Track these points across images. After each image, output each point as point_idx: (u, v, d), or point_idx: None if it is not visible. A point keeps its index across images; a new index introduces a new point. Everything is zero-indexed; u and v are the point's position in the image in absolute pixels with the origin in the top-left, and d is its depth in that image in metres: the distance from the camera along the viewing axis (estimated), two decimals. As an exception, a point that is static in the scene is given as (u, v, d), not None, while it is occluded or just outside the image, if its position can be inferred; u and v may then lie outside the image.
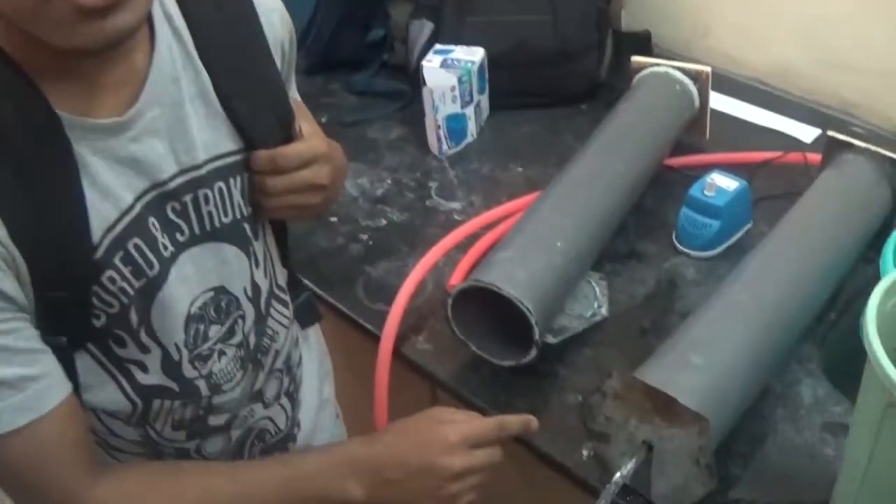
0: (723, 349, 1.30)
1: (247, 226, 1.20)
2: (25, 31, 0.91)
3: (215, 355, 1.20)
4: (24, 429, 1.00)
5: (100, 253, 1.03)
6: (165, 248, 1.10)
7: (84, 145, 0.99)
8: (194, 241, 1.13)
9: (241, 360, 1.24)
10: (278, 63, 1.21)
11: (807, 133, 1.93)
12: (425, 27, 2.06)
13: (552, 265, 1.46)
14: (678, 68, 1.82)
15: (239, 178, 1.17)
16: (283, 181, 1.19)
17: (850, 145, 1.62)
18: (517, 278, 1.40)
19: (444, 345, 1.54)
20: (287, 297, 1.34)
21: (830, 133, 1.66)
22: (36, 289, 0.99)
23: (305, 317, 1.44)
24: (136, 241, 1.06)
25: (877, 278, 1.24)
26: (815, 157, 1.73)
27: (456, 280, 1.63)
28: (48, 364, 1.02)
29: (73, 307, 1.04)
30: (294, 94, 1.31)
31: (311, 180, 1.22)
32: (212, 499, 1.16)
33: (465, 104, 1.95)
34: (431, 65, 1.93)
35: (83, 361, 1.08)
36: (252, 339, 1.25)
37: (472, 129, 2.00)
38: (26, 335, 1.00)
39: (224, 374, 1.22)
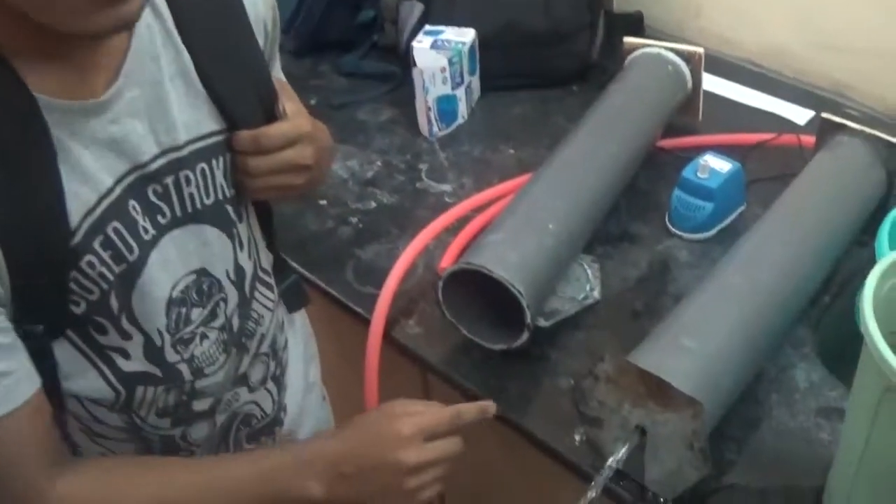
0: (717, 332, 1.29)
1: (230, 207, 1.19)
2: (2, 13, 0.89)
3: (197, 339, 1.18)
4: None
5: (78, 238, 1.01)
6: (146, 231, 1.08)
7: (62, 128, 0.98)
8: (175, 223, 1.12)
9: (223, 343, 1.22)
10: (261, 42, 1.20)
11: (800, 115, 1.92)
12: (415, 8, 2.05)
13: (544, 247, 1.45)
14: (671, 49, 1.80)
15: (221, 159, 1.16)
16: (266, 162, 1.18)
17: (844, 127, 1.61)
18: (508, 261, 1.39)
19: (434, 328, 1.53)
20: (272, 281, 1.33)
21: (824, 115, 1.65)
22: (12, 276, 0.97)
23: (293, 300, 1.43)
24: (116, 224, 1.04)
25: (872, 261, 1.23)
26: (808, 139, 1.72)
27: (446, 263, 1.62)
28: (19, 359, 1.01)
29: (52, 294, 1.02)
30: (278, 74, 1.30)
31: (295, 161, 1.20)
32: (171, 495, 1.15)
33: (455, 85, 1.93)
34: (421, 46, 1.91)
35: (63, 350, 1.07)
36: (235, 323, 1.24)
37: (462, 110, 1.99)
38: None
39: (206, 358, 1.20)
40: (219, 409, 1.27)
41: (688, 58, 1.80)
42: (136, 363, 1.13)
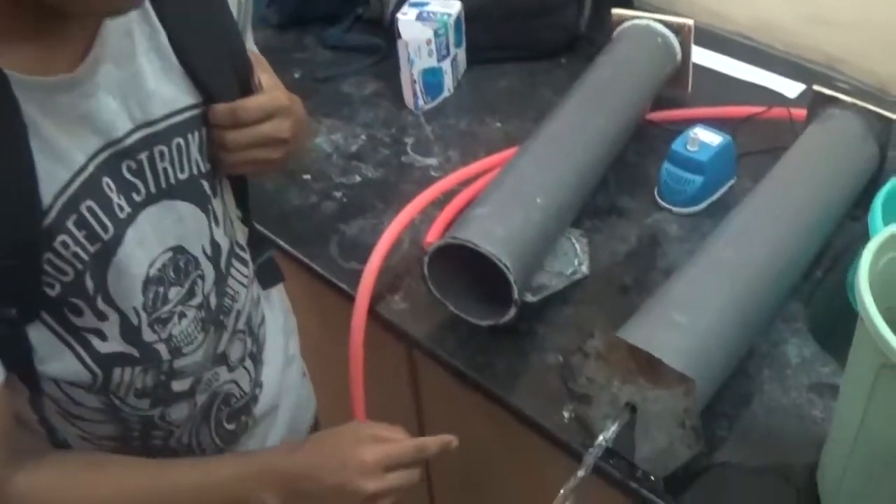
0: (708, 307, 1.27)
1: (205, 182, 1.17)
2: None
3: (175, 318, 1.16)
4: None
5: (51, 217, 0.98)
6: (121, 209, 1.06)
7: (33, 105, 0.95)
8: (150, 200, 1.10)
9: (201, 321, 1.20)
10: (234, 14, 1.18)
11: (791, 88, 1.91)
12: (400, -21, 2.02)
13: (531, 221, 1.43)
14: (660, 21, 1.78)
15: (197, 134, 1.14)
16: (243, 135, 1.16)
17: (836, 100, 1.60)
18: (495, 235, 1.37)
19: (420, 304, 1.52)
20: (247, 256, 1.31)
21: (816, 87, 1.63)
22: None
23: (267, 277, 1.41)
24: (90, 203, 1.02)
25: (864, 236, 1.21)
26: (799, 113, 1.70)
27: (432, 238, 1.60)
28: None
29: (25, 277, 0.99)
30: (251, 46, 1.28)
31: (273, 134, 1.19)
32: (126, 497, 1.16)
33: (441, 58, 1.91)
34: (407, 18, 1.89)
35: (38, 333, 1.04)
36: (213, 300, 1.22)
37: (448, 83, 1.97)
38: None
39: (184, 337, 1.18)
40: (199, 389, 1.25)
41: (677, 30, 1.78)
42: (112, 344, 1.10)
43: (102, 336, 1.09)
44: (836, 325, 1.39)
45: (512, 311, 1.38)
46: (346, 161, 1.84)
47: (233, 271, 1.26)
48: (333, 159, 1.85)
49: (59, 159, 0.98)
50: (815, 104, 1.62)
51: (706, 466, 1.25)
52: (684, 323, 1.24)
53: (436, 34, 1.87)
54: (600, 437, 1.22)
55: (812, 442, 1.25)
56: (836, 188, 1.50)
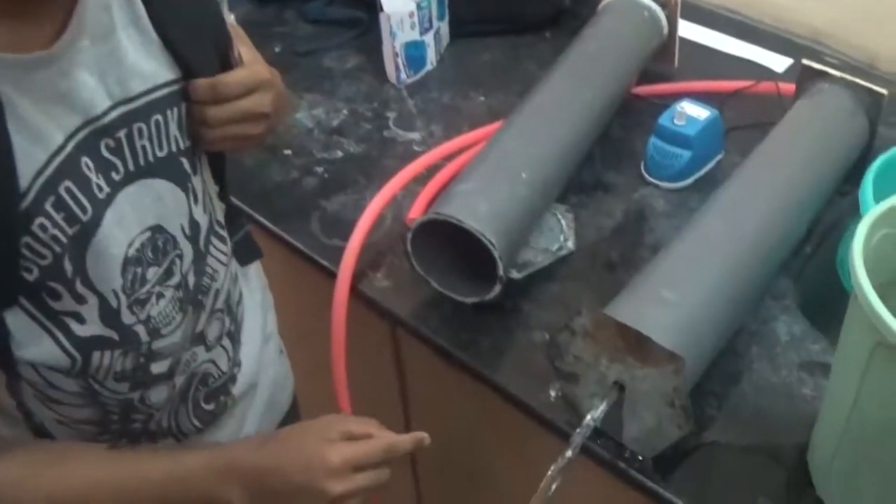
0: (697, 284, 1.26)
1: (184, 160, 1.14)
2: None
3: (153, 298, 1.14)
4: None
5: (29, 200, 0.96)
6: (100, 189, 1.03)
7: (9, 84, 0.92)
8: (129, 178, 1.07)
9: (179, 301, 1.18)
10: None
11: (779, 62, 1.89)
12: (382, -49, 1.99)
13: (516, 197, 1.41)
14: (646, -6, 1.76)
15: (176, 110, 1.12)
16: (224, 111, 1.14)
17: (825, 74, 1.58)
18: (479, 211, 1.35)
19: (403, 281, 1.50)
20: (225, 234, 1.29)
21: (805, 61, 1.61)
22: None
23: (245, 253, 1.39)
24: (68, 183, 0.99)
25: (854, 211, 1.19)
26: (787, 87, 1.69)
27: (415, 213, 1.58)
28: None
29: (1, 261, 0.97)
30: (228, 18, 1.25)
31: (254, 109, 1.17)
32: (93, 489, 1.14)
33: (424, 31, 1.89)
34: (389, -10, 1.86)
35: (15, 318, 1.01)
36: (191, 280, 1.20)
37: (431, 56, 1.95)
38: None
39: (163, 318, 1.16)
40: (178, 370, 1.23)
41: (664, 3, 1.76)
42: (91, 327, 1.08)
43: (81, 319, 1.06)
44: (826, 302, 1.38)
45: (497, 288, 1.36)
46: (328, 136, 1.82)
47: (212, 249, 1.23)
48: (315, 134, 1.82)
49: (37, 139, 0.96)
50: (804, 79, 1.61)
51: (695, 446, 1.24)
52: (674, 300, 1.22)
53: (418, 7, 1.85)
54: (588, 417, 1.20)
55: (802, 421, 1.23)
56: (825, 163, 1.49)
